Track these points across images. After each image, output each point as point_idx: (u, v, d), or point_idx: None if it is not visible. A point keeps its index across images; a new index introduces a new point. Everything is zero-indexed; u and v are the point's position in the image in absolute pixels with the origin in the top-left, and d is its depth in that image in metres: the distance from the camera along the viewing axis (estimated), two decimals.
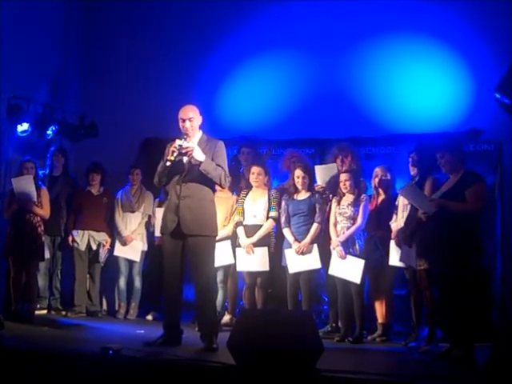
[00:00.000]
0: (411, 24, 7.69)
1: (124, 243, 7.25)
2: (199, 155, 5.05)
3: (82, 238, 7.27)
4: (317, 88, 7.85)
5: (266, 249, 6.23)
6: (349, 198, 6.09)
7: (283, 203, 6.27)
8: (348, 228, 6.02)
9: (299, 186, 6.20)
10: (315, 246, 6.10)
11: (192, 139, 5.20)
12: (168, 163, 5.06)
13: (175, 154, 5.03)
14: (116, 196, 7.41)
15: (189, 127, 5.17)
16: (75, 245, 7.23)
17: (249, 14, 8.24)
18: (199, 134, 5.30)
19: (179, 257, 5.21)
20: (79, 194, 7.42)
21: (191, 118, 5.19)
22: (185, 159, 5.15)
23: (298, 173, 6.20)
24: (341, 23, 7.96)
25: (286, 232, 6.21)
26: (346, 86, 7.79)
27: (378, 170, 6.32)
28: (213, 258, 5.29)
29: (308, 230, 6.13)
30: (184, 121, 5.19)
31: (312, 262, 6.08)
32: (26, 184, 6.56)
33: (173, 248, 5.20)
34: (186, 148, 5.03)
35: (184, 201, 5.13)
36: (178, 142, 5.05)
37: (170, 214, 5.20)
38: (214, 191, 5.59)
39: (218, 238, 6.42)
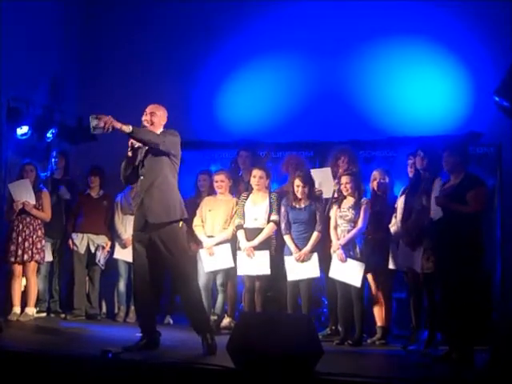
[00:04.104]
0: (411, 27, 7.69)
1: (124, 246, 7.24)
2: (124, 127, 4.86)
3: (81, 242, 7.26)
4: (316, 91, 7.86)
5: (267, 252, 6.23)
6: (349, 201, 6.09)
7: (283, 209, 6.25)
8: (349, 231, 6.01)
9: (299, 195, 6.17)
10: (315, 254, 6.10)
11: None
12: (129, 153, 5.08)
13: (135, 145, 5.04)
14: (116, 199, 7.41)
15: (148, 119, 5.16)
16: (75, 248, 7.23)
17: (248, 17, 8.23)
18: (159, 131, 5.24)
19: (148, 258, 5.10)
20: (79, 197, 7.42)
21: (152, 112, 5.21)
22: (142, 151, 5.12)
23: (298, 182, 6.16)
24: (340, 26, 7.96)
25: (287, 239, 6.19)
26: (346, 89, 7.80)
27: (375, 174, 6.32)
28: (183, 245, 5.17)
29: (308, 238, 6.13)
30: (146, 114, 5.21)
31: (311, 270, 6.08)
32: (22, 188, 6.57)
33: (141, 249, 5.12)
34: (102, 121, 4.80)
35: (146, 193, 5.09)
36: (90, 117, 4.85)
37: (138, 211, 5.17)
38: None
39: (217, 241, 6.46)
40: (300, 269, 6.09)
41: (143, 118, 5.22)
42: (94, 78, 8.66)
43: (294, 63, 8.11)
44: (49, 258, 7.09)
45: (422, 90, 7.64)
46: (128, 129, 4.88)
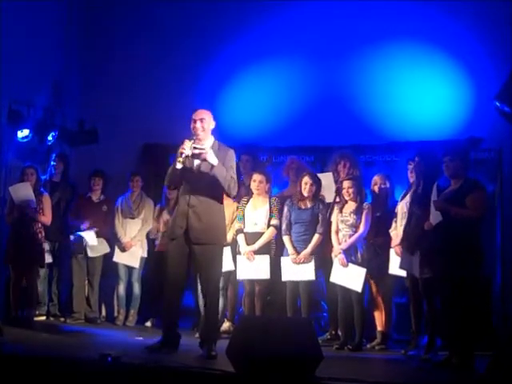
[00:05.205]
0: (412, 31, 7.68)
1: (123, 249, 7.24)
2: (212, 158, 5.04)
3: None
4: (317, 95, 7.85)
5: (267, 257, 6.23)
6: (351, 206, 6.08)
7: (285, 209, 6.26)
8: (350, 236, 6.01)
9: (306, 193, 6.18)
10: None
11: (203, 142, 5.18)
12: (178, 166, 5.04)
13: (184, 156, 5.00)
14: (116, 203, 7.41)
15: (199, 127, 5.16)
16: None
17: (249, 21, 8.23)
18: (211, 139, 5.28)
19: (184, 263, 5.19)
20: (79, 200, 7.41)
21: (202, 118, 5.19)
22: (196, 162, 5.13)
23: (307, 180, 6.18)
24: (341, 30, 7.95)
25: (286, 240, 6.20)
26: (347, 94, 7.79)
27: (376, 178, 6.32)
28: (220, 267, 5.31)
29: (308, 240, 6.13)
30: (195, 121, 5.19)
31: (307, 272, 6.08)
32: (24, 191, 6.57)
33: (179, 254, 5.19)
34: (200, 149, 5.02)
35: (193, 209, 5.12)
36: (187, 143, 5.03)
37: (179, 220, 5.18)
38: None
39: None
40: (296, 270, 6.09)
41: (193, 125, 5.17)
42: (94, 81, 8.65)
43: (295, 67, 8.10)
44: (49, 259, 7.08)
45: (422, 95, 7.62)
46: (215, 162, 5.03)
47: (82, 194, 7.48)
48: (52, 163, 7.46)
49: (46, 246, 6.96)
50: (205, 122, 5.19)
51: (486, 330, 5.86)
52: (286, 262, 6.15)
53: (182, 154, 5.01)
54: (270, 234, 6.30)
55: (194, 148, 5.02)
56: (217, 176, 5.05)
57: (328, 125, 7.68)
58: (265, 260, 6.20)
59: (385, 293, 6.14)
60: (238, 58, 8.29)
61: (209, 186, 5.12)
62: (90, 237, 7.16)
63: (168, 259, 5.30)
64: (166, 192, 7.00)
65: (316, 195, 6.22)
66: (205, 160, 5.05)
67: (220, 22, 8.31)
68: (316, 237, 6.12)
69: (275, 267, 6.24)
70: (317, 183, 6.21)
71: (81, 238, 7.17)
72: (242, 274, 6.31)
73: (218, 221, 5.24)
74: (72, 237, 7.22)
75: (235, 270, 6.36)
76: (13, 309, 6.63)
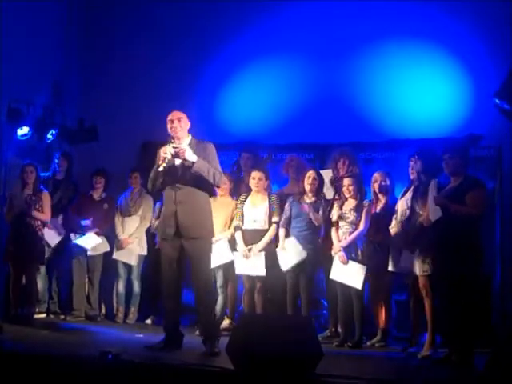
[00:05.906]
0: (411, 29, 7.69)
1: (120, 247, 7.24)
2: (191, 156, 5.08)
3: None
4: (317, 93, 7.85)
5: (262, 254, 6.22)
6: (351, 203, 6.09)
7: (287, 205, 6.28)
8: (350, 233, 6.02)
9: (308, 187, 6.19)
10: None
11: (181, 142, 5.22)
12: (160, 168, 5.09)
13: (166, 160, 5.06)
14: (118, 200, 7.41)
15: (177, 126, 5.21)
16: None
17: (249, 20, 8.23)
18: (188, 137, 5.33)
19: (177, 261, 5.22)
20: (80, 198, 7.42)
21: (180, 117, 5.25)
22: (177, 162, 5.16)
23: (311, 174, 6.21)
24: (341, 28, 7.96)
25: (281, 231, 6.23)
26: (346, 91, 7.79)
27: (377, 176, 6.32)
28: (209, 261, 5.32)
29: (308, 236, 6.12)
30: (173, 121, 5.23)
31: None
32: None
33: (171, 253, 5.22)
34: (179, 149, 5.05)
35: (180, 206, 5.15)
36: (167, 148, 5.08)
37: (168, 219, 5.21)
38: (214, 195, 5.60)
39: (215, 239, 6.47)
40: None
41: (171, 125, 5.22)
42: (94, 81, 8.66)
43: (295, 65, 8.10)
44: (57, 238, 7.10)
45: (422, 92, 7.62)
46: (194, 158, 5.05)
47: (83, 193, 7.48)
48: (56, 161, 7.48)
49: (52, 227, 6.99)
50: (182, 121, 5.24)
51: (486, 327, 5.86)
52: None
53: (164, 159, 5.05)
54: (273, 231, 6.30)
55: (173, 148, 5.06)
56: (199, 172, 5.10)
57: (327, 122, 7.68)
58: (260, 257, 6.20)
59: (385, 290, 6.14)
60: (237, 57, 8.29)
61: (192, 181, 5.14)
62: (90, 240, 7.17)
63: (162, 259, 5.32)
64: None
65: (318, 191, 6.23)
66: (185, 160, 5.08)
67: (220, 22, 8.32)
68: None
69: (275, 265, 6.23)
70: (320, 179, 6.23)
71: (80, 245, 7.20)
72: (239, 270, 6.33)
73: (205, 215, 5.27)
74: (73, 238, 7.23)
75: (234, 267, 6.36)
76: (13, 306, 6.64)
